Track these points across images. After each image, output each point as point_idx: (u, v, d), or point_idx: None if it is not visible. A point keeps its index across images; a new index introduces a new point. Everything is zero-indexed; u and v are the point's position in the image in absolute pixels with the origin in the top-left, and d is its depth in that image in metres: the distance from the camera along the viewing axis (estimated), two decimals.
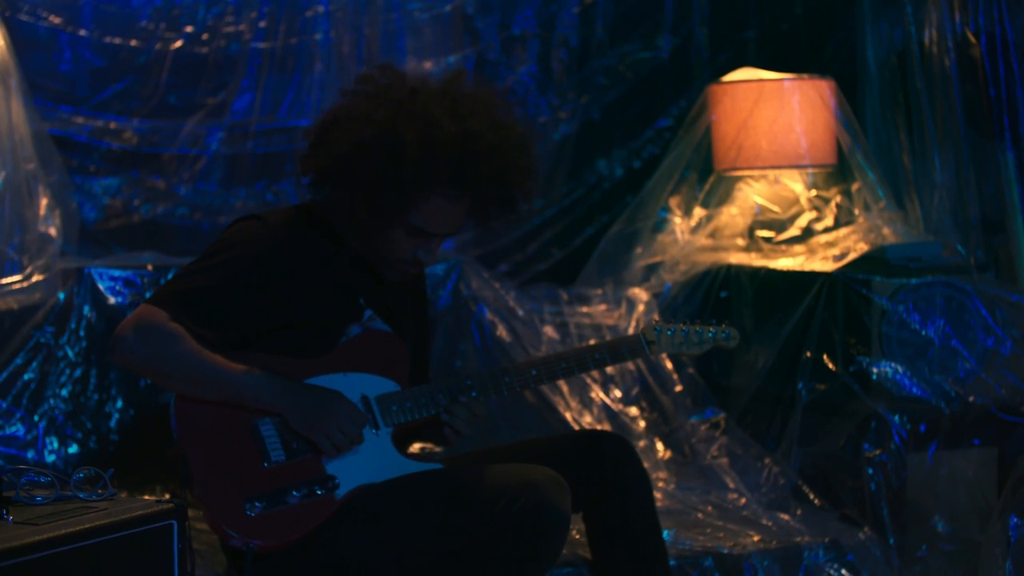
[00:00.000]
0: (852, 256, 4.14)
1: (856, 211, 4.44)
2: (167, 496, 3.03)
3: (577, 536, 3.27)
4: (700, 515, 3.84)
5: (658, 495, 3.79)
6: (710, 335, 3.12)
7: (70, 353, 3.83)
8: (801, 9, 5.06)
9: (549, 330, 4.34)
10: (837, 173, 4.61)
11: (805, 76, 4.54)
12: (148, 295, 3.71)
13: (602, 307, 4.43)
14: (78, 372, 3.84)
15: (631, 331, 4.28)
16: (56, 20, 4.32)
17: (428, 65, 4.54)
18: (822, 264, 4.15)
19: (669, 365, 4.31)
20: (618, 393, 4.26)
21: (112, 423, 3.87)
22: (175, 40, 4.42)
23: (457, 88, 2.86)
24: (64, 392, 3.82)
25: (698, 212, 4.62)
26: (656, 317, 4.29)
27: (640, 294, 4.43)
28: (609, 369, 4.25)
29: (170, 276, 3.65)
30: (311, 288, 2.86)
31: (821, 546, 3.65)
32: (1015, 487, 3.66)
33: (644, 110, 5.01)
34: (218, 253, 2.83)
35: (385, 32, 4.60)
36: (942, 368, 3.96)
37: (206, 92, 4.47)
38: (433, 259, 2.91)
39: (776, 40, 5.07)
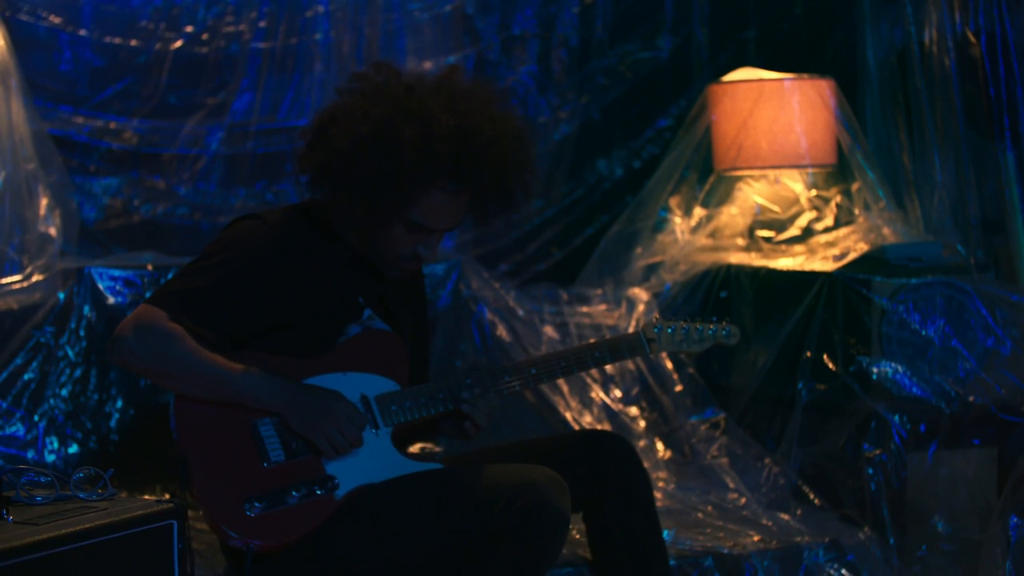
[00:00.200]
0: (852, 256, 4.14)
1: (856, 211, 4.44)
2: (167, 496, 3.04)
3: (577, 536, 3.27)
4: (700, 515, 3.84)
5: (658, 495, 3.79)
6: (710, 332, 3.12)
7: (70, 353, 3.83)
8: (801, 9, 5.06)
9: (549, 330, 4.34)
10: (837, 173, 4.61)
11: (805, 76, 4.54)
12: (148, 295, 3.71)
13: (602, 307, 4.43)
14: (78, 372, 3.84)
15: (631, 331, 4.28)
16: (56, 20, 4.32)
17: (428, 65, 4.54)
18: (822, 264, 4.15)
19: (669, 365, 4.31)
20: (618, 393, 4.26)
21: (112, 423, 3.87)
22: (175, 40, 4.42)
23: (453, 83, 2.86)
24: (64, 392, 3.82)
25: (698, 212, 4.62)
26: (656, 316, 4.29)
27: (640, 294, 4.43)
28: (609, 369, 4.25)
29: (170, 276, 3.65)
30: (310, 287, 2.86)
31: (821, 546, 3.65)
32: (1015, 487, 3.66)
33: (644, 110, 5.01)
34: (217, 253, 2.83)
35: (385, 32, 4.60)
36: (942, 368, 3.96)
37: (206, 92, 4.47)
38: (433, 255, 2.90)
39: (776, 40, 5.07)
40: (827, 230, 4.45)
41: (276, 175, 4.56)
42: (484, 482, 2.78)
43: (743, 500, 3.96)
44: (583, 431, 3.91)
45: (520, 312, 4.35)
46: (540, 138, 4.80)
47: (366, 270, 2.95)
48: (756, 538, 3.66)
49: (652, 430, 4.22)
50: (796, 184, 4.58)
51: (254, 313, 2.81)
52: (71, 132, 4.34)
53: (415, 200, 2.79)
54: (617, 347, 3.05)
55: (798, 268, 4.19)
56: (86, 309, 3.87)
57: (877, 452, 3.82)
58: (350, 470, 2.80)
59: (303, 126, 2.91)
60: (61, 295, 3.86)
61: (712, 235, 4.60)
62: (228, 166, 4.52)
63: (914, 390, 3.91)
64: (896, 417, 3.83)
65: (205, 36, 4.44)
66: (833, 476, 3.92)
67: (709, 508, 3.91)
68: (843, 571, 3.64)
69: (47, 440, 3.78)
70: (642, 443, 4.14)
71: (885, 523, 3.77)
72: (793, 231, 4.51)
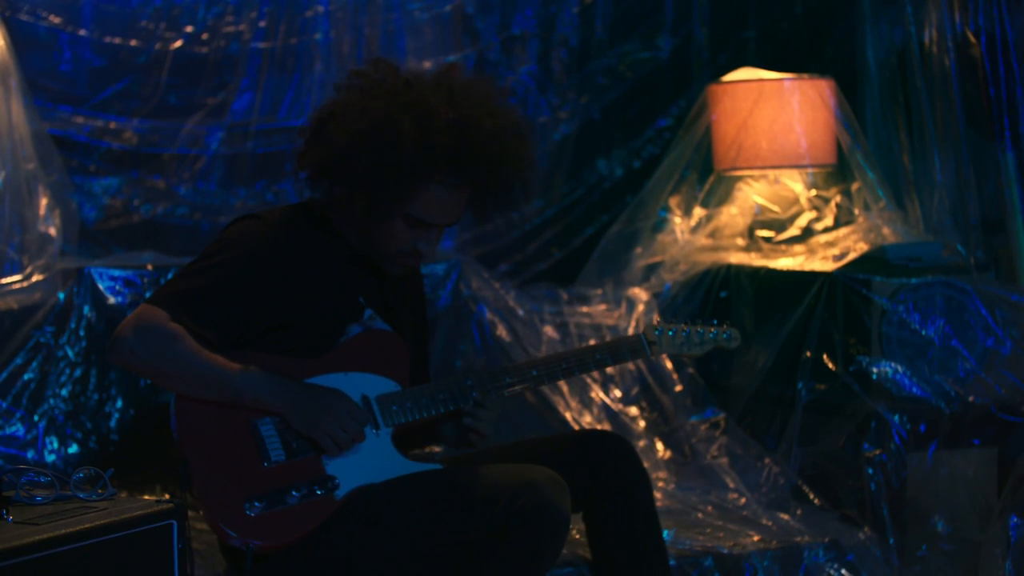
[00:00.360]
0: (852, 256, 4.14)
1: (856, 211, 4.44)
2: (167, 496, 3.04)
3: (577, 536, 3.27)
4: (700, 515, 3.84)
5: (658, 495, 3.79)
6: (711, 335, 3.11)
7: (70, 353, 3.83)
8: (801, 9, 5.06)
9: (549, 330, 4.34)
10: (837, 173, 4.61)
11: (805, 76, 4.54)
12: (148, 295, 3.71)
13: (602, 307, 4.43)
14: (78, 372, 3.84)
15: (631, 331, 4.29)
16: (56, 20, 4.32)
17: (428, 65, 4.54)
18: (822, 264, 4.15)
19: (669, 365, 4.31)
20: (618, 393, 4.26)
21: (112, 423, 3.87)
22: (175, 40, 4.42)
23: (452, 79, 2.86)
24: (64, 392, 3.82)
25: (698, 212, 4.62)
26: (656, 317, 4.29)
27: (640, 294, 4.43)
28: (609, 369, 4.25)
29: (170, 276, 3.65)
30: (311, 287, 2.86)
31: (821, 546, 3.65)
32: (1015, 487, 3.66)
33: (644, 110, 5.01)
34: (217, 253, 2.83)
35: (385, 32, 4.60)
36: (942, 368, 3.96)
37: (206, 92, 4.47)
38: (433, 250, 2.90)
39: (776, 40, 5.07)
40: (827, 230, 4.45)
41: (276, 175, 4.56)
42: (484, 482, 2.78)
43: (743, 500, 3.96)
44: (583, 431, 3.91)
45: (520, 312, 4.35)
46: (540, 138, 4.80)
47: (367, 269, 2.95)
48: (756, 538, 3.66)
49: (652, 430, 4.22)
50: (796, 184, 4.58)
51: (254, 313, 2.81)
52: (71, 132, 4.34)
53: (414, 194, 2.79)
54: (618, 349, 3.05)
55: (798, 268, 4.19)
56: (86, 309, 3.87)
57: (877, 452, 3.82)
58: (350, 470, 2.80)
59: (302, 125, 2.91)
60: (61, 295, 3.86)
61: (712, 235, 4.60)
62: (228, 166, 4.52)
63: (914, 390, 3.91)
64: (896, 417, 3.83)
65: (205, 36, 4.44)
66: (833, 476, 3.92)
67: (709, 508, 3.91)
68: (843, 571, 3.64)
69: (47, 440, 3.78)
70: (642, 443, 4.14)
71: (885, 523, 3.77)
72: (793, 231, 4.51)
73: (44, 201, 3.93)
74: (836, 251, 4.23)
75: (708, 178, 4.67)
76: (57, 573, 2.23)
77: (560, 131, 4.88)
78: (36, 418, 3.78)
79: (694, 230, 4.60)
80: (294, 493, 2.74)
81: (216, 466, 2.72)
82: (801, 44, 5.03)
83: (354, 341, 2.90)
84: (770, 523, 3.80)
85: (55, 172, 4.05)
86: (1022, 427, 3.88)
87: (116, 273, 3.93)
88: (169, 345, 2.73)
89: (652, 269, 4.54)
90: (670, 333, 3.08)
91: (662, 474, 4.10)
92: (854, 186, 4.47)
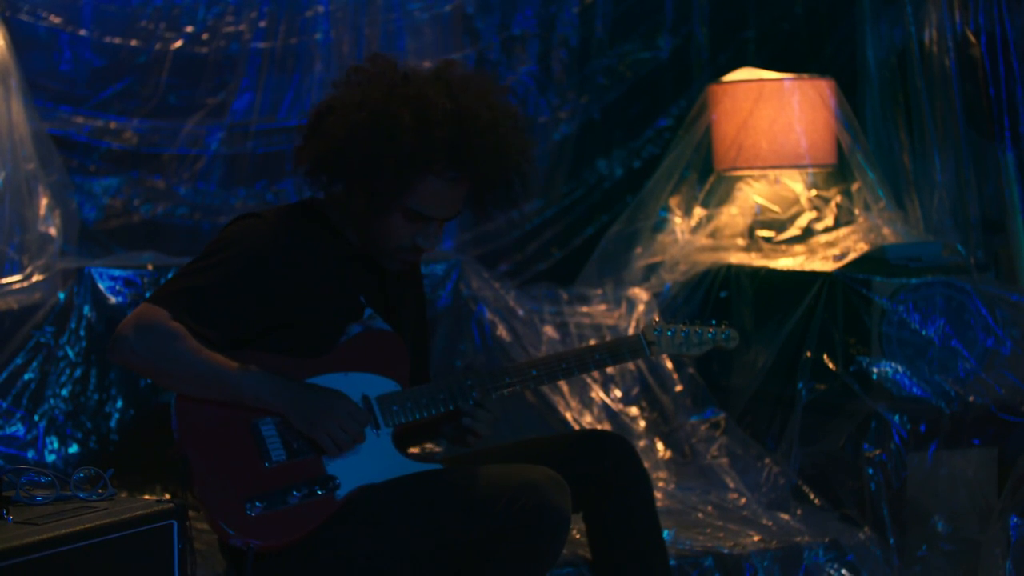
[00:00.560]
0: (852, 256, 4.14)
1: (856, 211, 4.44)
2: (167, 496, 3.03)
3: (577, 536, 3.27)
4: (700, 515, 3.84)
5: (658, 495, 3.79)
6: (710, 336, 3.11)
7: (70, 353, 3.83)
8: (801, 9, 5.06)
9: (549, 330, 4.34)
10: (837, 173, 4.61)
11: (805, 76, 4.54)
12: (148, 294, 3.71)
13: (602, 307, 4.43)
14: (78, 372, 3.84)
15: (631, 331, 4.29)
16: (56, 20, 4.32)
17: (427, 65, 4.54)
18: (822, 264, 4.15)
19: (669, 365, 4.31)
20: (618, 393, 4.26)
21: (112, 423, 3.87)
22: (175, 40, 4.42)
23: (450, 72, 2.86)
24: (64, 392, 3.82)
25: (698, 212, 4.62)
26: (656, 317, 4.29)
27: (640, 294, 4.43)
28: (609, 369, 4.25)
29: (170, 276, 3.64)
30: (311, 286, 2.86)
31: (821, 546, 3.65)
32: (1015, 487, 3.66)
33: (644, 110, 5.02)
34: (218, 252, 2.83)
35: (385, 32, 4.60)
36: (942, 368, 3.96)
37: (206, 92, 4.47)
38: (432, 245, 2.89)
39: (776, 40, 5.07)
40: (827, 230, 4.45)
41: (276, 175, 4.56)
42: (484, 482, 2.78)
43: (743, 500, 3.96)
44: (583, 431, 3.91)
45: (520, 312, 4.35)
46: (540, 138, 4.81)
47: (367, 268, 2.95)
48: (756, 538, 3.66)
49: (652, 430, 4.22)
50: (796, 184, 4.58)
51: (255, 312, 2.81)
52: (71, 132, 4.34)
53: (413, 187, 2.79)
54: (618, 349, 3.05)
55: (798, 268, 4.19)
56: (86, 309, 3.87)
57: (877, 452, 3.82)
58: (351, 470, 2.80)
59: (302, 123, 2.92)
60: (61, 295, 3.86)
61: (712, 235, 4.60)
62: (228, 166, 4.52)
63: (914, 390, 3.91)
64: (896, 417, 3.83)
65: (205, 36, 4.44)
66: (833, 476, 3.92)
67: (709, 508, 3.91)
68: (843, 571, 3.64)
69: (47, 440, 3.78)
70: (642, 443, 4.14)
71: (885, 523, 3.77)
72: (793, 231, 4.51)
73: (44, 201, 3.93)
74: (836, 251, 4.23)
75: (708, 178, 4.67)
76: (57, 573, 2.23)
77: (560, 131, 4.89)
78: (36, 418, 3.78)
79: (694, 230, 4.60)
80: (295, 493, 2.74)
81: (217, 466, 2.72)
82: (801, 44, 5.03)
83: (354, 341, 2.90)
84: (770, 523, 3.80)
85: (55, 172, 4.05)
86: (1022, 427, 3.88)
87: (116, 273, 3.93)
88: (170, 344, 2.73)
89: (652, 269, 4.54)
90: (669, 333, 3.08)
91: (662, 474, 4.10)
92: (854, 186, 4.47)
